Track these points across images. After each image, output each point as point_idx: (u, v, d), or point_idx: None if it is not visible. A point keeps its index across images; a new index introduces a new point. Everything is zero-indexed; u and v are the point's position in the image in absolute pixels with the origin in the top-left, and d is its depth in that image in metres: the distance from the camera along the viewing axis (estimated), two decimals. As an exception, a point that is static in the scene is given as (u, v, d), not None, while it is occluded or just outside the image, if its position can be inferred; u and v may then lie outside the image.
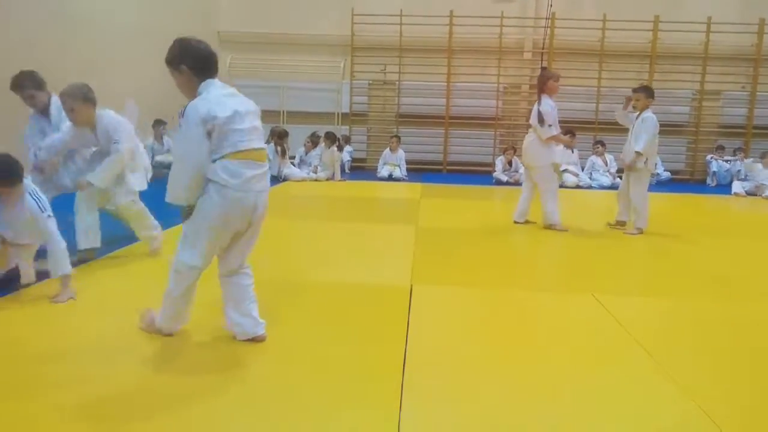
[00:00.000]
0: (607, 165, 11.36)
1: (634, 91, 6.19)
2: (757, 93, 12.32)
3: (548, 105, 6.09)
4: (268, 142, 10.30)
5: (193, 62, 2.62)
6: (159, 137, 9.74)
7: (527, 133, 6.36)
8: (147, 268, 4.16)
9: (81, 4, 7.96)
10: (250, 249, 2.80)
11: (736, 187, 10.54)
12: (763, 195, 10.10)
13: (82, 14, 7.99)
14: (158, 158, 9.66)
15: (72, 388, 2.30)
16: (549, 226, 6.17)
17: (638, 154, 5.96)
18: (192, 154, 2.53)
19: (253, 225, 2.70)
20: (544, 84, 6.20)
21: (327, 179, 10.47)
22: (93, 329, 2.95)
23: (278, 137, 10.45)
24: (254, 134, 2.65)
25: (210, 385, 2.36)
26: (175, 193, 2.58)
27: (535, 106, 6.19)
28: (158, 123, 9.67)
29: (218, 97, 2.58)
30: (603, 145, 11.42)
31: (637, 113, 6.08)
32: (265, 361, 2.62)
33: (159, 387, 2.34)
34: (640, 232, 6.00)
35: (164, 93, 10.18)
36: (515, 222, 6.43)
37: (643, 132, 5.95)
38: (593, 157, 11.49)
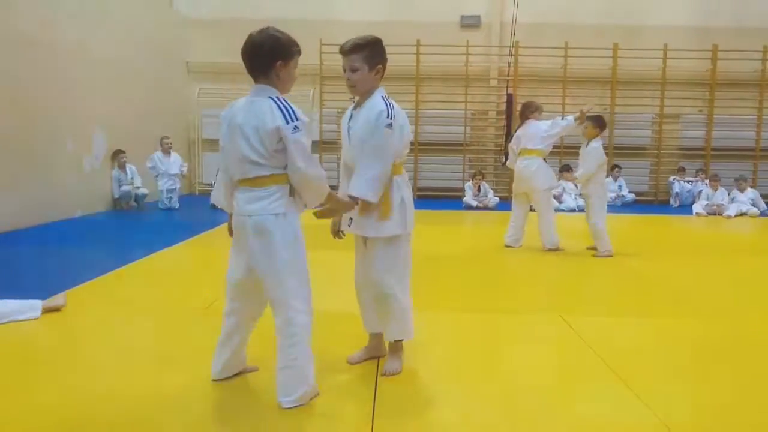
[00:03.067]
0: (577, 188, 11.56)
1: (588, 118, 6.35)
2: (714, 116, 12.78)
3: (534, 125, 6.40)
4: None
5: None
6: (122, 166, 9.67)
7: (516, 159, 6.54)
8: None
9: (52, 35, 7.90)
10: None
11: (698, 207, 10.86)
12: (724, 214, 10.42)
13: (54, 44, 7.94)
14: (124, 188, 9.63)
15: None
16: (550, 250, 6.32)
17: (575, 178, 6.37)
18: None
19: None
20: (529, 113, 6.53)
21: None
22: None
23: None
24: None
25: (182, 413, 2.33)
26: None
27: (522, 132, 6.49)
28: (118, 153, 9.62)
29: None
30: (570, 169, 11.64)
31: (587, 141, 6.25)
32: (230, 399, 2.59)
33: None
34: (610, 254, 6.10)
35: (131, 122, 10.21)
36: (507, 246, 6.52)
37: (586, 161, 6.16)
38: (562, 182, 11.67)
